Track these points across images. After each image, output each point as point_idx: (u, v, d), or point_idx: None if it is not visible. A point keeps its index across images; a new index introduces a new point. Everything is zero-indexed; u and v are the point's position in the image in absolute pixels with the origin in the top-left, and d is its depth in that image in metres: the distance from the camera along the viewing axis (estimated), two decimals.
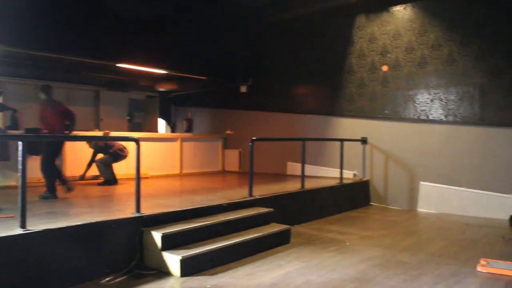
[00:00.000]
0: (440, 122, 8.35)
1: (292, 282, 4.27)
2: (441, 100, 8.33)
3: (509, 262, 4.91)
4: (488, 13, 7.87)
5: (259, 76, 11.39)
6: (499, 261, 4.95)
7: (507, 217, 7.28)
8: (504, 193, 7.58)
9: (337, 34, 9.87)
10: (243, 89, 11.68)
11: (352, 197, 8.76)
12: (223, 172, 11.63)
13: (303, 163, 7.55)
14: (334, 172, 9.14)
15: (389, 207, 8.96)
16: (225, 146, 12.00)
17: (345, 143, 8.91)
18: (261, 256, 5.20)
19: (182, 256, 4.42)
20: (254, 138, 6.57)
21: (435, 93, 8.40)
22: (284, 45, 10.89)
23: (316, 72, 10.26)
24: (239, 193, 6.71)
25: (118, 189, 7.76)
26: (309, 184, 7.79)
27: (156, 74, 10.61)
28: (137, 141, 4.91)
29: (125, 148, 8.37)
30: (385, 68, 9.05)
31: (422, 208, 8.54)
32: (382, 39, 9.12)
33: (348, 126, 9.63)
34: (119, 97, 13.17)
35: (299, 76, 10.62)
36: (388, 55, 9.04)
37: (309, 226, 7.01)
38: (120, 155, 8.26)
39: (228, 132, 11.96)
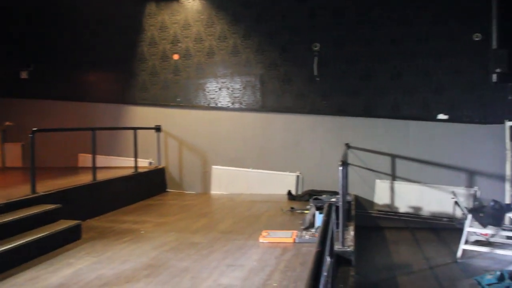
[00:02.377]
0: (227, 109, 8.98)
1: (82, 279, 4.07)
2: (228, 88, 8.95)
3: (285, 230, 5.60)
4: (265, 10, 8.72)
5: (42, 61, 10.35)
6: (277, 231, 5.60)
7: (286, 192, 8.29)
8: (282, 171, 8.61)
9: (127, 20, 9.63)
10: (24, 75, 10.48)
11: (148, 186, 8.77)
12: (3, 169, 10.30)
13: (94, 154, 7.21)
14: (129, 162, 8.97)
15: (185, 192, 9.26)
16: (5, 140, 10.62)
17: (140, 131, 8.84)
18: (49, 256, 4.81)
19: None
20: (35, 129, 5.99)
21: (222, 82, 8.98)
22: (68, 28, 10.08)
23: (106, 58, 9.83)
24: (20, 191, 6.03)
25: None
26: (102, 175, 7.48)
27: None
28: None
29: None
30: (175, 56, 9.24)
31: (215, 191, 9.07)
32: (173, 28, 9.27)
33: (142, 115, 9.55)
34: None
35: (87, 63, 10.00)
36: (179, 44, 9.25)
37: (103, 219, 6.76)
38: None
39: (8, 123, 10.60)
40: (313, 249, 4.81)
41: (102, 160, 8.53)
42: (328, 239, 2.36)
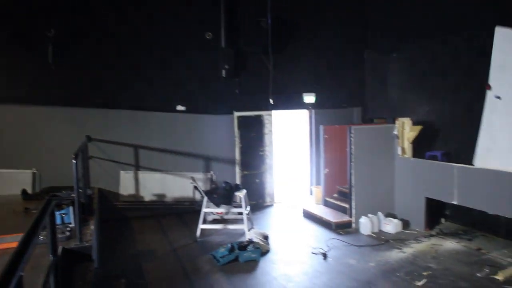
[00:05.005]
0: None
1: None
2: None
3: (16, 234, 5.05)
4: None
5: None
6: (6, 235, 5.00)
7: (20, 191, 7.47)
8: (16, 169, 7.73)
9: None
10: None
11: None
12: None
13: None
14: None
15: None
16: None
17: None
18: None
19: None
20: None
21: None
22: None
23: None
24: None
25: None
26: None
27: None
28: None
29: None
30: None
31: None
32: None
33: None
34: None
35: None
36: None
37: None
38: None
39: None
40: (45, 250, 4.51)
41: None
42: (39, 237, 2.25)
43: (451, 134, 7.53)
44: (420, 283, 5.21)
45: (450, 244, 6.58)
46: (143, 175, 8.40)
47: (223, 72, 8.45)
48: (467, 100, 6.82)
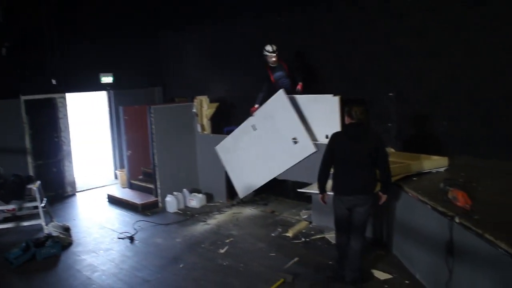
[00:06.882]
0: None
1: None
2: None
3: None
4: None
5: None
6: None
7: None
8: None
9: None
10: None
11: None
12: None
13: None
14: None
15: None
16: None
17: None
18: None
19: None
20: None
21: None
22: None
23: None
24: None
25: None
26: None
27: None
28: None
29: None
30: None
31: None
32: None
33: None
34: None
35: None
36: None
37: None
38: None
39: None
40: None
41: None
42: None
43: (245, 110, 8.09)
44: (223, 251, 5.58)
45: (249, 211, 7.19)
46: None
47: (3, 50, 7.47)
48: (257, 79, 7.35)
